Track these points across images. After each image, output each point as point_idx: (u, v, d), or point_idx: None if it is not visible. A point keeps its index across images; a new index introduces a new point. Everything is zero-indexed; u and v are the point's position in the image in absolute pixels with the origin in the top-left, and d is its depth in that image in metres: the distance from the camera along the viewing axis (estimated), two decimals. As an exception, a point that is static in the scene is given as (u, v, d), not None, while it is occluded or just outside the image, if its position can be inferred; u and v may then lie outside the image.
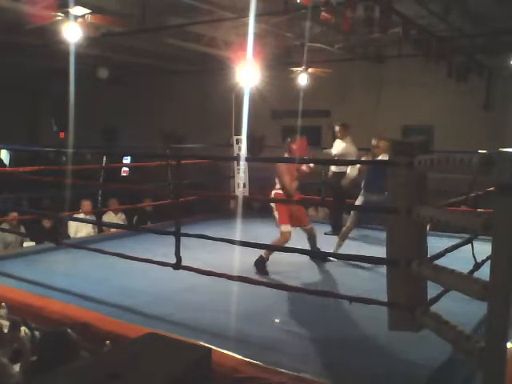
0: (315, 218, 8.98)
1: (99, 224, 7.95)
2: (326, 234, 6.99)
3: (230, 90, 8.92)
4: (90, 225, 7.88)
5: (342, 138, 7.23)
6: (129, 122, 14.03)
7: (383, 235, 3.07)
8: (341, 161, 7.36)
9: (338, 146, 7.24)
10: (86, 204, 7.72)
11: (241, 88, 8.21)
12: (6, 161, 15.15)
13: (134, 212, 9.02)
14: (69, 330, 3.04)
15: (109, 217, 8.20)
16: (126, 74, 13.02)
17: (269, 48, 9.24)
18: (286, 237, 5.04)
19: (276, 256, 5.29)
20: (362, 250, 6.17)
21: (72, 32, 6.48)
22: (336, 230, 6.91)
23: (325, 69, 9.43)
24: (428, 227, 4.02)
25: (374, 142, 5.90)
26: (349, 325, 3.82)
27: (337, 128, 7.35)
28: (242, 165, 7.97)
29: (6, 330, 3.39)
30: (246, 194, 8.04)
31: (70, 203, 7.22)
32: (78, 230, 7.65)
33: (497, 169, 2.13)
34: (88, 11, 6.43)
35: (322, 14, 6.13)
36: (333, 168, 7.33)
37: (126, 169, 13.69)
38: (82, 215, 7.55)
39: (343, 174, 6.89)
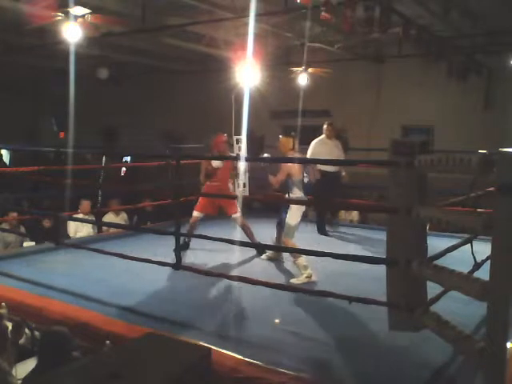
0: (310, 218, 8.98)
1: (100, 224, 7.94)
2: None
3: (230, 90, 8.91)
4: (90, 225, 7.86)
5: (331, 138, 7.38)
6: (129, 122, 14.02)
7: (383, 235, 3.07)
8: (339, 161, 7.36)
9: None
10: (85, 204, 7.65)
11: (241, 88, 8.20)
12: (6, 160, 15.14)
13: (134, 212, 9.02)
14: (64, 329, 3.04)
15: (109, 217, 8.19)
16: (126, 74, 13.01)
17: (269, 48, 9.23)
18: (192, 220, 5.95)
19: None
20: (362, 250, 6.18)
21: (72, 32, 6.48)
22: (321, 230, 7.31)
23: (325, 69, 9.42)
24: (428, 227, 4.01)
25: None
26: (349, 325, 3.82)
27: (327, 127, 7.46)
28: (242, 165, 7.96)
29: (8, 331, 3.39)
30: (246, 193, 8.04)
31: (70, 203, 7.22)
32: (78, 229, 7.61)
33: (497, 169, 2.13)
34: (88, 11, 6.43)
35: (322, 14, 6.13)
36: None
37: (124, 169, 13.70)
38: (80, 215, 7.53)
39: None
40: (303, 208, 5.17)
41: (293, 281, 4.82)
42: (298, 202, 5.16)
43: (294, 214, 5.04)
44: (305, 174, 5.13)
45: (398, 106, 10.28)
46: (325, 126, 7.47)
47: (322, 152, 7.10)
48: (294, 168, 5.04)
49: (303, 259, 4.89)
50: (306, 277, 4.83)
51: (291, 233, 5.05)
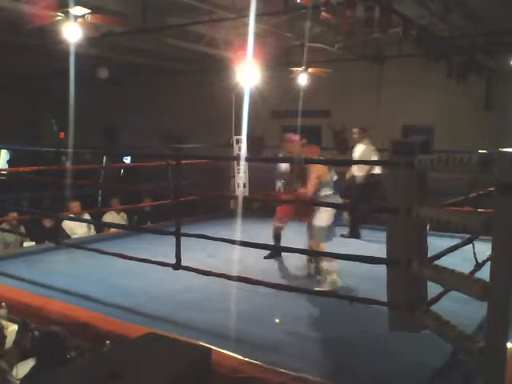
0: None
1: (99, 224, 7.93)
2: (342, 235, 6.86)
3: (230, 90, 8.91)
4: (86, 226, 7.78)
5: (359, 142, 7.34)
6: (129, 122, 14.02)
7: (383, 235, 3.07)
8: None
9: (359, 150, 7.29)
10: (75, 205, 7.44)
11: (241, 88, 8.20)
12: (6, 160, 15.13)
13: (134, 212, 9.02)
14: (59, 329, 3.04)
15: (111, 216, 8.17)
16: (126, 74, 13.00)
17: (269, 48, 9.22)
18: (276, 229, 5.71)
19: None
20: (362, 250, 6.18)
21: (72, 32, 6.47)
22: (353, 233, 7.16)
23: (325, 69, 9.42)
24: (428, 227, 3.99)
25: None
26: (349, 325, 3.83)
27: (355, 131, 7.47)
28: (242, 165, 7.97)
29: (6, 331, 3.39)
30: (246, 194, 8.04)
31: (69, 203, 7.20)
32: (73, 232, 7.47)
33: (497, 169, 2.13)
34: (88, 11, 6.42)
35: (322, 14, 6.12)
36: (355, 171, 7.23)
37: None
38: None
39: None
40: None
41: (318, 289, 4.44)
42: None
43: (322, 215, 4.67)
44: (333, 173, 4.95)
45: (398, 106, 10.28)
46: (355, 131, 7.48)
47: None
48: (323, 169, 4.78)
49: (326, 264, 4.52)
50: (331, 282, 4.49)
51: (322, 236, 4.64)
